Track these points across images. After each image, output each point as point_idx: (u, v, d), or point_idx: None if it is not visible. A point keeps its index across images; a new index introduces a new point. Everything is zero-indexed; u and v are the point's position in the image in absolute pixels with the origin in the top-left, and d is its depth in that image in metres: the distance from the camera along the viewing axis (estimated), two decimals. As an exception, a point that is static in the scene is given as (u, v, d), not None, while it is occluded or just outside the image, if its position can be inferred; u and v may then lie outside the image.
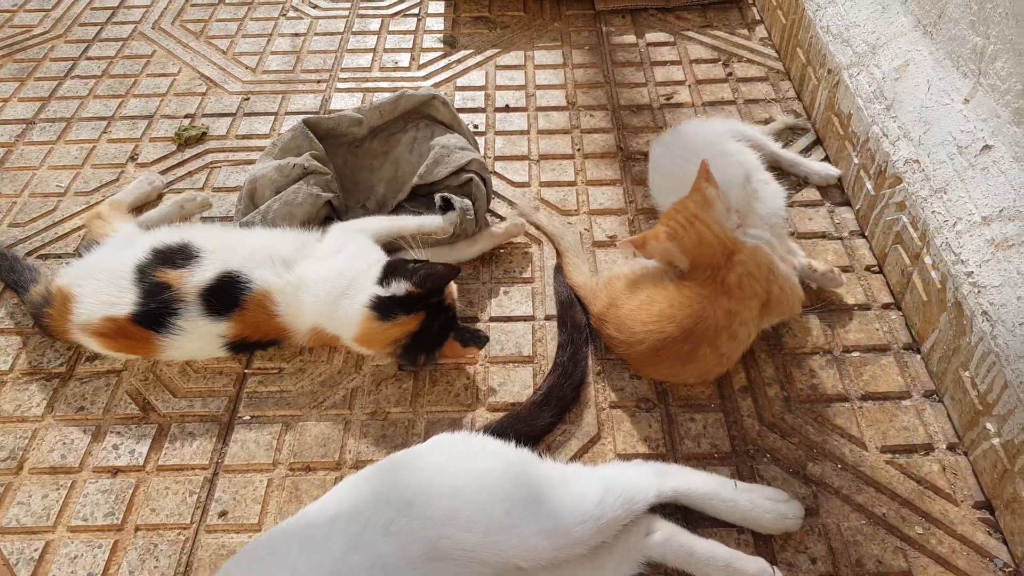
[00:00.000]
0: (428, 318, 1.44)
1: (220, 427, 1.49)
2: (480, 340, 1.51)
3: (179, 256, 1.53)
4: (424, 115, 1.93)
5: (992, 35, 1.43)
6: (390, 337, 1.44)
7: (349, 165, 1.89)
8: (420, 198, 1.83)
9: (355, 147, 1.90)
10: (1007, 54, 1.39)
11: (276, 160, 1.76)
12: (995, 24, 1.42)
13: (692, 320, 1.37)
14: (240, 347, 1.54)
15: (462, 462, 1.19)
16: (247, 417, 1.51)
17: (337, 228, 1.63)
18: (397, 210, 1.81)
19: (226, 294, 1.49)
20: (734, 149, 1.76)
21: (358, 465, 1.41)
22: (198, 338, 1.50)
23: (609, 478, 1.22)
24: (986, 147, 1.42)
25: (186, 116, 2.23)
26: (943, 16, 1.59)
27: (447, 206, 1.71)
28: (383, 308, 1.42)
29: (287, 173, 1.71)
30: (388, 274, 1.44)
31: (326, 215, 1.72)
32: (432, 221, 1.68)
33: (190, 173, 2.04)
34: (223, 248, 1.55)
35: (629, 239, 1.50)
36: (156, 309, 1.47)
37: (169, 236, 1.59)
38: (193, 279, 1.49)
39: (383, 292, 1.42)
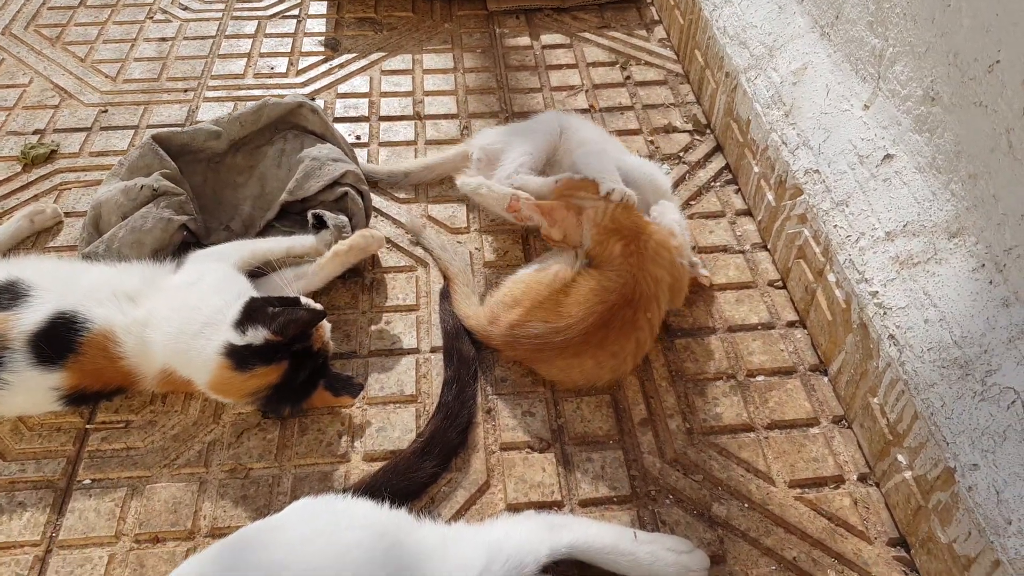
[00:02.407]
0: (292, 367, 1.27)
1: (56, 494, 1.29)
2: (353, 389, 1.35)
3: (5, 296, 1.33)
4: (292, 125, 1.75)
5: (891, 37, 1.35)
6: (248, 388, 1.27)
7: (210, 183, 1.70)
8: (292, 216, 1.66)
9: (215, 163, 1.71)
10: (906, 57, 1.31)
11: (123, 182, 1.56)
12: (893, 25, 1.34)
13: (631, 286, 1.40)
14: (79, 399, 1.34)
15: (324, 537, 1.03)
16: (87, 481, 1.31)
17: (194, 257, 1.45)
18: (266, 230, 1.63)
19: (59, 338, 1.29)
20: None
21: (214, 533, 1.23)
22: (26, 392, 1.30)
23: (495, 540, 1.08)
24: (888, 156, 1.34)
25: (35, 132, 1.99)
26: (840, 16, 1.51)
27: (320, 224, 1.55)
28: (239, 357, 1.24)
29: (134, 196, 1.51)
30: (246, 318, 1.27)
31: (182, 241, 1.53)
32: (303, 242, 1.52)
33: (36, 196, 1.82)
34: (58, 284, 1.36)
35: (535, 203, 1.52)
36: (-25, 361, 1.27)
37: (-6, 273, 1.38)
38: (20, 323, 1.29)
39: (238, 340, 1.25)
